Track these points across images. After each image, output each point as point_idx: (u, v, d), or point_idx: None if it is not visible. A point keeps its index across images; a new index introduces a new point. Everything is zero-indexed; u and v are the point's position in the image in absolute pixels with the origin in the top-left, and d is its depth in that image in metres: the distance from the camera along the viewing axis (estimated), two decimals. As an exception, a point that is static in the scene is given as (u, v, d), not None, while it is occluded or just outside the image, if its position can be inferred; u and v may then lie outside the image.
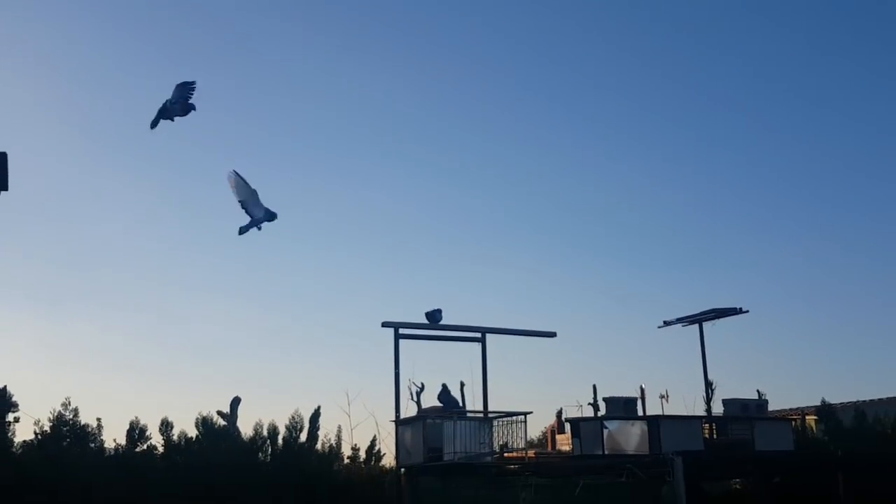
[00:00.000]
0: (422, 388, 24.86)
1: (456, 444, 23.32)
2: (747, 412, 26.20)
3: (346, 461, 27.48)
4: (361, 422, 27.81)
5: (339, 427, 27.37)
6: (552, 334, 27.44)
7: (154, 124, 15.08)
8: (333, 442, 27.31)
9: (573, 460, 24.43)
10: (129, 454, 25.76)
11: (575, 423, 25.41)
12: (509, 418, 24.28)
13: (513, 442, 24.44)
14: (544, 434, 29.64)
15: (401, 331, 25.04)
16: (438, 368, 25.33)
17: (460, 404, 24.76)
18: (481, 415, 24.75)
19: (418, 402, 24.80)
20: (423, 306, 27.11)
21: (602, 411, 25.77)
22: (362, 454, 27.94)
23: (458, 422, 23.71)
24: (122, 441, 26.04)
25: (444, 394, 24.96)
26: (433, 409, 24.73)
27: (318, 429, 26.93)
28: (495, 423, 24.38)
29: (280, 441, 26.89)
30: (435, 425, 23.55)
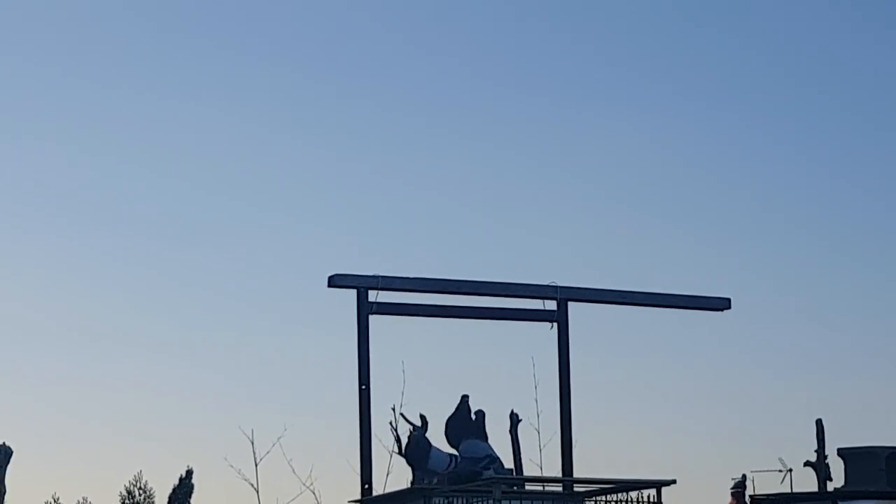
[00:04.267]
0: (423, 426, 11.69)
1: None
2: None
3: None
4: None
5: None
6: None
7: None
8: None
9: None
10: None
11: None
12: (621, 496, 11.17)
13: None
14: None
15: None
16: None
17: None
18: (557, 487, 11.73)
19: (415, 457, 11.54)
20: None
21: (836, 479, 12.88)
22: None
23: (506, 502, 10.74)
24: None
25: (465, 421, 11.73)
26: (449, 474, 11.46)
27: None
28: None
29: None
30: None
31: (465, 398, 11.66)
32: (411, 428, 11.59)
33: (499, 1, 48.28)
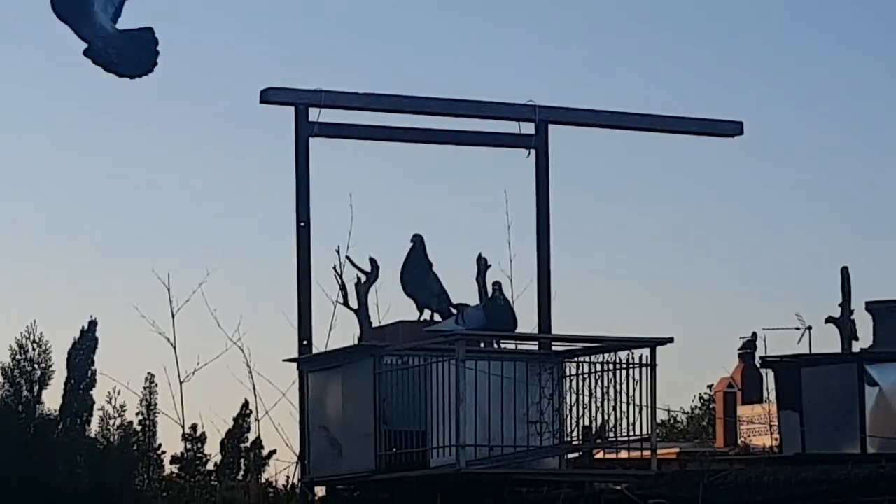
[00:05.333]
0: (373, 272, 11.11)
1: (466, 425, 10.13)
2: None
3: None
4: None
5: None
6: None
7: None
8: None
9: (791, 474, 10.45)
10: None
11: (788, 370, 11.84)
12: (609, 357, 10.72)
13: (615, 420, 10.80)
14: (710, 397, 22.05)
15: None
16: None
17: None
18: (532, 345, 11.40)
19: (360, 306, 11.22)
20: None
21: (863, 338, 12.31)
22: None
23: (470, 363, 10.13)
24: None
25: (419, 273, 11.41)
26: (402, 326, 11.20)
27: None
28: (569, 367, 11.00)
29: None
30: (406, 372, 10.57)
31: (417, 239, 10.94)
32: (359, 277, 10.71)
33: None
